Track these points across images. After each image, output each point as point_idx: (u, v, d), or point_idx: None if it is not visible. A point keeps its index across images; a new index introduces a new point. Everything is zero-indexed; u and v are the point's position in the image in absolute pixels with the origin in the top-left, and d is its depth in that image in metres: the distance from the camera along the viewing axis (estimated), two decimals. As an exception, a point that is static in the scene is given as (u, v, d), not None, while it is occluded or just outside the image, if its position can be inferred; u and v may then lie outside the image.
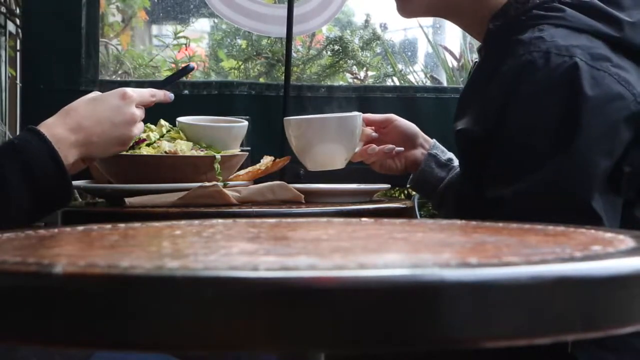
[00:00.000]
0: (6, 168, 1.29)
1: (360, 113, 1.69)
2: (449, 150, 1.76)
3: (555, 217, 1.20)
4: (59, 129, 1.36)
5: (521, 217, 1.23)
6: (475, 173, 1.38)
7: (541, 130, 1.30)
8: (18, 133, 2.03)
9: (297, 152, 1.73)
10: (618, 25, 1.36)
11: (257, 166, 1.76)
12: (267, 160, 1.76)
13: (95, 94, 1.46)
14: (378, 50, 3.67)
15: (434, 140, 1.75)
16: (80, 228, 0.90)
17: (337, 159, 1.67)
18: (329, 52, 3.51)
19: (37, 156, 1.30)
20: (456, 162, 1.69)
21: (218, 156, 1.63)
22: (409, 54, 4.19)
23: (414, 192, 2.04)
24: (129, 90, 1.46)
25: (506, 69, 1.34)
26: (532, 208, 1.28)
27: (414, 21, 3.63)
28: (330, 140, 1.63)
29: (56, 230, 0.89)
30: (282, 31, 2.66)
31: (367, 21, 3.79)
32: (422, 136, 1.74)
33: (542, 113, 1.30)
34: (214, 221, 0.95)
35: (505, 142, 1.32)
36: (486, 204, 1.33)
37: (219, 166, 1.62)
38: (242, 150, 1.74)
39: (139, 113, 1.46)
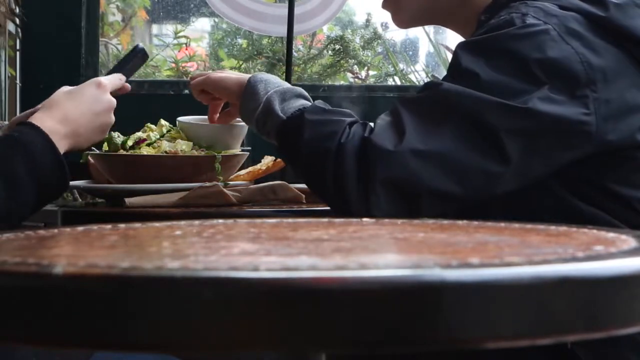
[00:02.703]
0: (13, 161, 1.30)
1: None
2: None
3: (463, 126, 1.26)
4: (49, 122, 1.37)
5: (440, 108, 1.28)
6: None
7: (494, 80, 1.30)
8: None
9: None
10: (604, 6, 1.37)
11: (258, 166, 1.76)
12: (267, 160, 1.76)
13: (68, 87, 1.49)
14: (379, 49, 3.67)
15: None
16: (80, 228, 0.89)
17: None
18: (329, 52, 3.51)
19: (38, 148, 1.32)
20: None
21: (219, 156, 1.63)
22: (410, 53, 4.19)
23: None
24: (103, 79, 1.50)
25: (484, 27, 1.36)
26: (454, 108, 1.29)
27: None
28: None
29: (56, 230, 0.89)
30: (282, 30, 2.66)
31: (368, 20, 3.79)
32: None
33: (501, 62, 1.31)
34: (215, 221, 0.95)
35: (457, 66, 1.33)
36: (419, 89, 1.36)
37: (219, 166, 1.62)
38: (242, 150, 1.74)
39: (113, 99, 1.49)
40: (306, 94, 1.47)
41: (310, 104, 1.43)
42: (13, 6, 1.47)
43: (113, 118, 1.49)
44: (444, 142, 1.27)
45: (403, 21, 1.62)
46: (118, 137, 1.66)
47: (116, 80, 1.53)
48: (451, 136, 1.28)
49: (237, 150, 1.72)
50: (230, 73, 1.60)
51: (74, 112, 1.42)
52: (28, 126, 1.35)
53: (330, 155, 1.30)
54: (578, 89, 1.30)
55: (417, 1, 1.54)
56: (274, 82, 1.49)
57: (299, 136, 1.36)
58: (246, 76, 1.53)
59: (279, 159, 1.76)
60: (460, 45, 1.36)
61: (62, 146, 1.37)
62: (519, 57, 1.30)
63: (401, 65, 3.80)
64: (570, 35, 1.32)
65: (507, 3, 1.42)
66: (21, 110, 2.56)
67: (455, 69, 1.33)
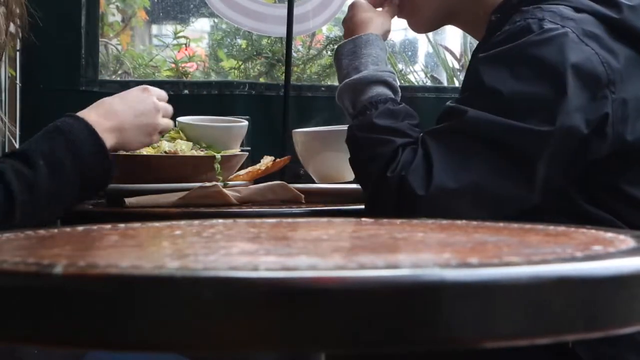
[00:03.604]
0: (54, 144, 1.34)
1: None
2: None
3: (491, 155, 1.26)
4: (93, 116, 1.42)
5: (468, 138, 1.27)
6: None
7: (519, 91, 1.30)
8: (18, 132, 2.02)
9: (306, 165, 1.73)
10: (617, 8, 1.38)
11: (257, 166, 1.76)
12: (267, 160, 1.76)
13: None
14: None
15: None
16: (80, 228, 0.89)
17: (347, 172, 1.67)
18: (329, 52, 3.50)
19: (81, 137, 1.37)
20: None
21: (218, 156, 1.63)
22: (409, 53, 4.19)
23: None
24: (148, 86, 1.55)
25: (501, 34, 1.36)
26: (483, 137, 1.28)
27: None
28: (339, 153, 1.63)
29: (56, 230, 0.89)
30: (282, 31, 2.66)
31: (367, 21, 3.78)
32: None
33: (524, 71, 1.30)
34: (214, 221, 0.95)
35: (481, 83, 1.32)
36: (442, 112, 1.35)
37: (219, 166, 1.62)
38: (242, 150, 1.74)
39: (161, 104, 1.53)
40: (380, 76, 1.47)
41: (383, 93, 1.44)
42: (13, 7, 1.47)
43: (161, 121, 1.52)
44: (475, 175, 1.27)
45: (421, 26, 1.64)
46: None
47: (162, 91, 1.58)
48: (482, 167, 1.27)
49: (236, 150, 1.72)
50: (366, 17, 1.58)
51: (118, 108, 1.47)
52: (72, 117, 1.40)
53: (373, 178, 1.31)
54: (599, 89, 1.30)
55: (430, 6, 1.55)
56: (360, 53, 1.49)
57: (350, 146, 1.41)
58: (359, 29, 1.54)
59: (278, 159, 1.76)
60: (481, 61, 1.34)
61: (107, 139, 1.41)
62: (542, 63, 1.30)
63: (400, 66, 3.80)
64: (588, 38, 1.32)
65: (518, 4, 1.42)
66: (21, 111, 2.56)
67: (479, 86, 1.32)
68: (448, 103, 1.38)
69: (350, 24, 1.57)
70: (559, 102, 1.27)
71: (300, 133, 1.74)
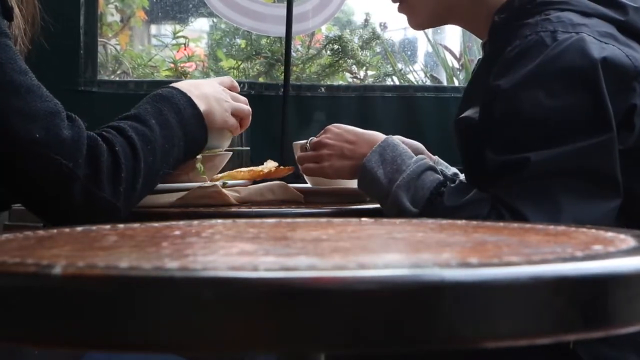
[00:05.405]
0: (164, 111, 1.40)
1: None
2: (453, 163, 1.75)
3: (576, 183, 1.24)
4: (182, 86, 1.48)
5: (543, 180, 1.25)
6: (476, 161, 1.39)
7: (560, 107, 1.30)
8: None
9: (307, 177, 1.73)
10: (623, 10, 1.39)
11: (260, 168, 1.75)
12: (270, 164, 1.75)
13: None
14: (378, 49, 3.67)
15: (437, 157, 1.75)
16: (79, 228, 0.89)
17: (346, 183, 1.66)
18: (328, 52, 3.51)
19: (182, 102, 1.44)
20: (461, 177, 1.66)
21: (199, 156, 1.60)
22: (409, 53, 4.19)
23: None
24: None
25: (512, 49, 1.34)
26: (556, 172, 1.28)
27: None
28: None
29: (55, 230, 0.89)
30: (281, 30, 2.66)
31: (366, 20, 3.79)
32: (427, 154, 1.73)
33: (556, 86, 1.30)
34: (214, 221, 0.95)
35: (519, 115, 1.32)
36: (501, 167, 1.32)
37: (201, 166, 1.60)
38: (241, 150, 1.73)
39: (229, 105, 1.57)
40: (423, 164, 1.43)
41: (435, 178, 1.39)
42: (11, 5, 1.48)
43: (229, 120, 1.55)
44: (570, 211, 1.26)
45: (419, 23, 1.63)
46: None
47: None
48: (572, 202, 1.27)
49: (220, 150, 1.68)
50: (342, 156, 1.56)
51: (200, 81, 1.56)
52: (168, 87, 1.47)
53: None
54: (628, 81, 1.31)
55: (431, 3, 1.54)
56: (390, 157, 1.45)
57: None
58: (358, 157, 1.50)
59: (281, 167, 1.76)
60: (509, 92, 1.32)
61: (199, 105, 1.47)
62: (571, 72, 1.30)
63: (400, 65, 3.80)
64: (604, 37, 1.33)
65: (520, 7, 1.42)
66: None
67: (520, 120, 1.31)
68: (496, 157, 1.33)
69: (352, 145, 1.54)
70: (604, 104, 1.27)
71: (300, 145, 1.73)
